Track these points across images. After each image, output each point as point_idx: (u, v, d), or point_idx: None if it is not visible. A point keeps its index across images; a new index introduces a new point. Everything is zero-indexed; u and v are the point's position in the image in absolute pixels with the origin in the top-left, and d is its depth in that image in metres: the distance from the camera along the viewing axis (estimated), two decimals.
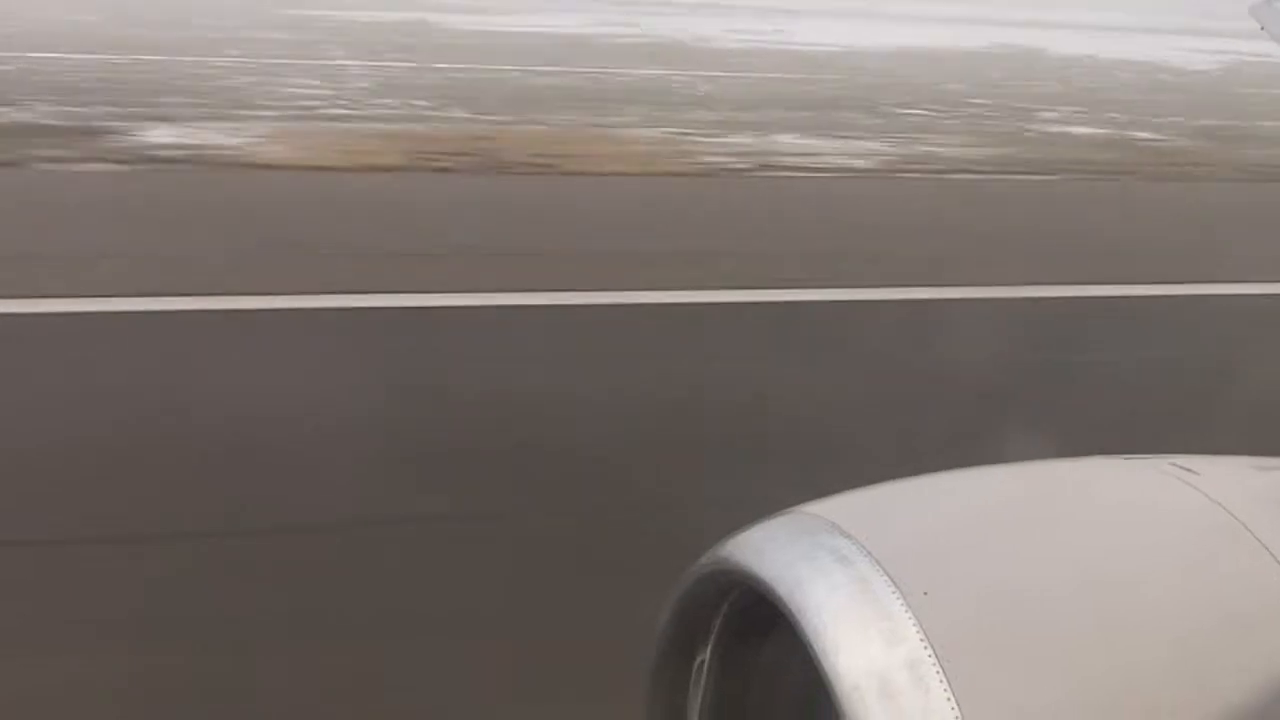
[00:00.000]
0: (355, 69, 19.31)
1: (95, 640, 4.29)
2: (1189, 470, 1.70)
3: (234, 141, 13.23)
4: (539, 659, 4.24)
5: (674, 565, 1.85)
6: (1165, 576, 1.58)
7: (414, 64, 20.14)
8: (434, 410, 6.47)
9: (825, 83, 20.92)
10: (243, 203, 10.85)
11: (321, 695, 4.06)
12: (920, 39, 28.15)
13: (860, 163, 14.36)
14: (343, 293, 8.17)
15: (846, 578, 1.55)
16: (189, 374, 6.80)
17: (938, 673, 1.44)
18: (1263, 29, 5.02)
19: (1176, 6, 39.99)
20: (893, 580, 1.52)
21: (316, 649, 4.30)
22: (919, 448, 5.77)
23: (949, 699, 1.42)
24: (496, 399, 6.57)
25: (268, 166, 12.27)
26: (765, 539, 1.67)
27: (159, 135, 13.28)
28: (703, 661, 1.79)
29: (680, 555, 1.87)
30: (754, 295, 8.68)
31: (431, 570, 4.83)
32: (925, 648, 1.46)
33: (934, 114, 18.04)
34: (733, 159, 13.98)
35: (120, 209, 10.38)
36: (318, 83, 17.61)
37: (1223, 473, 1.73)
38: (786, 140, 15.30)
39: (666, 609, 1.79)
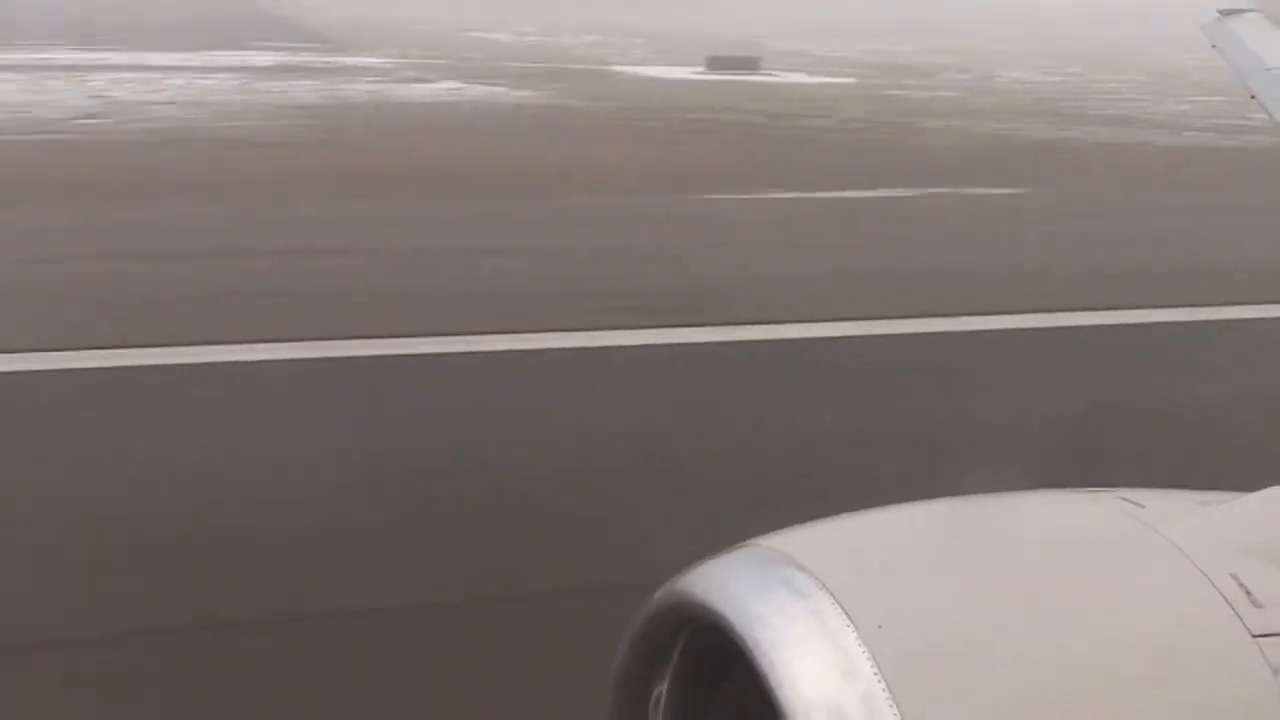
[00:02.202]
0: None
1: None
2: (1136, 504, 1.74)
3: None
4: None
5: None
6: (1114, 609, 1.61)
7: None
8: None
9: None
10: None
11: None
12: None
13: None
14: None
15: (802, 611, 1.56)
16: None
17: (891, 707, 1.46)
18: (1214, 47, 5.13)
19: None
20: (847, 614, 1.54)
21: None
22: None
23: None
24: None
25: None
26: (722, 573, 1.68)
27: None
28: (660, 694, 1.80)
29: None
30: None
31: None
32: (879, 682, 1.48)
33: None
34: None
35: None
36: None
37: (1168, 507, 1.76)
38: None
39: (624, 642, 1.80)
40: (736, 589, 1.63)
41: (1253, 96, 4.51)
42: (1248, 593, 1.59)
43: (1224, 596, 1.59)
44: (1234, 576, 1.61)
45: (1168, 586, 1.63)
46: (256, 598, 5.29)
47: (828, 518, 1.77)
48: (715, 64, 33.63)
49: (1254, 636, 1.55)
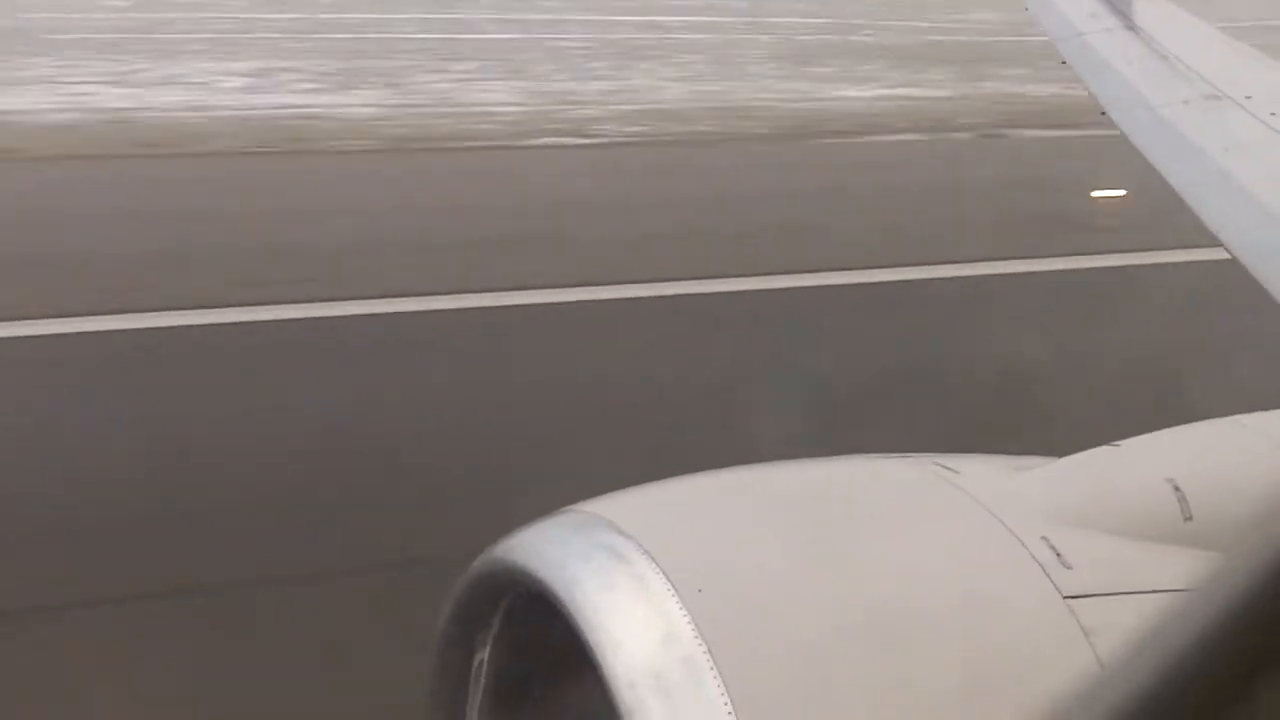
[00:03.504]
0: None
1: None
2: (951, 469, 1.77)
3: None
4: None
5: None
6: (927, 571, 1.64)
7: None
8: None
9: None
10: None
11: None
12: None
13: None
14: None
15: (623, 576, 1.56)
16: None
17: (712, 670, 1.46)
18: (1027, 9, 5.24)
19: None
20: (668, 578, 1.54)
21: None
22: None
23: (723, 696, 1.45)
24: None
25: None
26: (542, 538, 1.67)
27: None
28: (482, 661, 1.77)
29: None
30: None
31: None
32: (700, 645, 1.48)
33: None
34: None
35: None
36: None
37: (980, 471, 1.80)
38: None
39: (444, 609, 1.77)
40: (557, 554, 1.62)
41: (1064, 62, 4.62)
42: (1058, 555, 1.63)
43: (1035, 559, 1.63)
44: (1045, 539, 1.65)
45: (980, 549, 1.66)
46: None
47: (647, 483, 1.76)
48: None
49: (1065, 598, 1.59)
